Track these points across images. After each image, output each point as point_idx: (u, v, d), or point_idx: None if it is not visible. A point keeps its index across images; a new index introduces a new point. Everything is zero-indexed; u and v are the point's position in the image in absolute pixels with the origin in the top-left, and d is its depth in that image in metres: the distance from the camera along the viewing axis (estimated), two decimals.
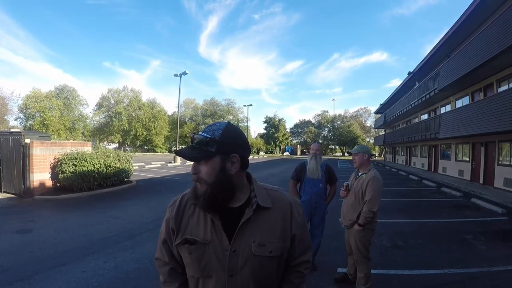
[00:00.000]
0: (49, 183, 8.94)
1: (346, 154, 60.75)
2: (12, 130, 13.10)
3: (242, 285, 0.97)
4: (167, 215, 1.07)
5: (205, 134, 0.95)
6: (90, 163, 9.12)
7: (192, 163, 0.98)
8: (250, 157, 42.90)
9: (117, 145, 45.59)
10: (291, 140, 68.00)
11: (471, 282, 3.46)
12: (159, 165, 21.32)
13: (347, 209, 3.11)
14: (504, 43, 8.61)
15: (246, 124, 57.09)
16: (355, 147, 3.20)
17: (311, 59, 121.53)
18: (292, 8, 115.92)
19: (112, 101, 46.78)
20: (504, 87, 11.25)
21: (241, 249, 0.96)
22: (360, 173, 3.11)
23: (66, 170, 8.55)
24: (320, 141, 67.07)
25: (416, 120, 23.22)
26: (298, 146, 65.74)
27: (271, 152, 63.46)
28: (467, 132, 11.86)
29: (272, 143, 64.11)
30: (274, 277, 1.04)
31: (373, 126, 52.98)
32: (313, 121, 68.14)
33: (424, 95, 17.93)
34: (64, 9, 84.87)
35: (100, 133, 46.42)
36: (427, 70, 19.92)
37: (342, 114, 66.11)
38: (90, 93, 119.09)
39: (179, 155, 0.99)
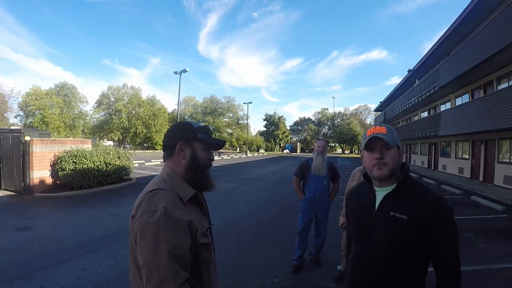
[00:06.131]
0: (49, 180, 8.93)
1: (346, 151, 60.78)
2: (12, 127, 13.07)
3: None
4: (184, 218, 0.92)
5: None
6: (90, 161, 9.10)
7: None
8: (250, 155, 43.04)
9: (111, 142, 45.44)
10: (291, 138, 67.95)
11: (471, 280, 3.46)
12: (159, 163, 21.26)
13: None
14: (505, 41, 8.58)
15: (245, 121, 57.10)
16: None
17: (310, 57, 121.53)
18: (291, 6, 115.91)
19: (112, 99, 46.78)
20: (504, 85, 11.23)
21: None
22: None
23: (66, 167, 8.54)
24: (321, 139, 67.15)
25: (416, 118, 23.18)
26: (298, 143, 65.68)
27: (271, 150, 63.42)
28: (467, 129, 11.86)
29: (272, 141, 64.04)
30: None
31: (373, 123, 52.97)
32: (313, 118, 68.03)
33: (424, 92, 17.89)
34: (64, 7, 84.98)
35: (100, 130, 46.42)
36: (427, 68, 19.87)
37: (342, 111, 66.03)
38: (90, 90, 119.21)
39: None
